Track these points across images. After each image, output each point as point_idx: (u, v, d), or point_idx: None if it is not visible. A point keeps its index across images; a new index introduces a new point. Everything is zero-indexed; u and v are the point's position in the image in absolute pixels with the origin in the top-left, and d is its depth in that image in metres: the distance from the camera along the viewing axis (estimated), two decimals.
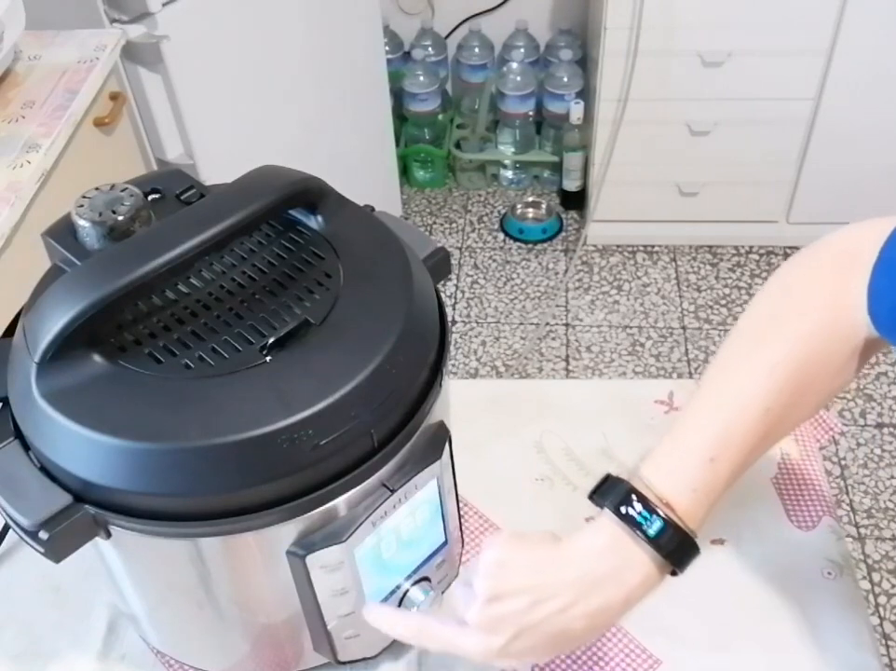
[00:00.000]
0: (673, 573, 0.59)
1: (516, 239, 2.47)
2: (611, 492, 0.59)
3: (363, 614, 0.63)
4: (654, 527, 0.56)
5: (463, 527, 0.75)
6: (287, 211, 0.66)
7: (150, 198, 0.67)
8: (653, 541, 0.56)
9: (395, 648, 0.72)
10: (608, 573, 0.57)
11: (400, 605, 0.68)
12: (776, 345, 0.60)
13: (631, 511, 0.57)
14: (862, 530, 1.78)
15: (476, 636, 0.58)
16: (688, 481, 0.58)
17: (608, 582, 0.57)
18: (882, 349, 0.62)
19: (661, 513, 0.57)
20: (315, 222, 0.66)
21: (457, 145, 2.57)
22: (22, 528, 0.54)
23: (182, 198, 0.68)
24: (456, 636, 0.59)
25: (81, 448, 0.54)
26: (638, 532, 0.56)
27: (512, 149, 2.55)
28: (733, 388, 0.60)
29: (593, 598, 0.57)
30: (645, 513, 0.57)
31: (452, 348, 2.16)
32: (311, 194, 0.65)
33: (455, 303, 2.31)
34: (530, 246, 2.45)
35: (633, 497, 0.57)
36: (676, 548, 0.57)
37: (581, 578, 0.57)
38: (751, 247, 2.39)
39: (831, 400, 0.64)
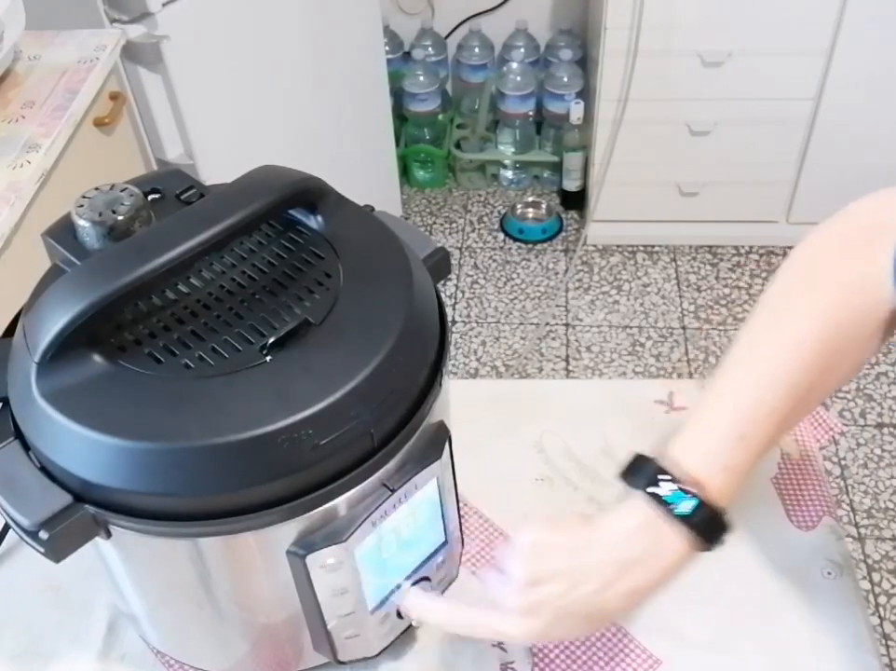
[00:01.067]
0: (707, 549, 0.58)
1: (516, 239, 2.47)
2: (641, 472, 0.59)
3: (400, 602, 0.64)
4: (684, 506, 0.56)
5: (463, 527, 0.75)
6: (287, 211, 0.66)
7: (150, 198, 0.67)
8: (684, 520, 0.56)
9: (395, 648, 0.72)
10: (642, 554, 0.58)
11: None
12: (802, 318, 0.60)
13: (661, 491, 0.57)
14: (862, 530, 1.78)
15: (517, 620, 0.59)
16: (719, 460, 0.58)
17: (642, 563, 0.58)
18: None
19: (692, 493, 0.57)
20: (315, 222, 0.66)
21: (457, 145, 2.57)
22: (22, 528, 0.54)
23: (182, 198, 0.68)
24: (497, 622, 0.60)
25: (81, 448, 0.54)
26: (669, 512, 0.57)
27: (512, 149, 2.55)
28: (760, 363, 0.60)
29: (629, 579, 0.58)
30: (676, 493, 0.57)
31: (452, 348, 2.16)
32: (311, 194, 0.65)
33: (455, 303, 2.31)
34: (530, 246, 2.45)
35: (663, 477, 0.57)
36: (708, 526, 0.57)
37: (616, 559, 0.58)
38: (751, 247, 2.39)
39: (858, 371, 0.63)
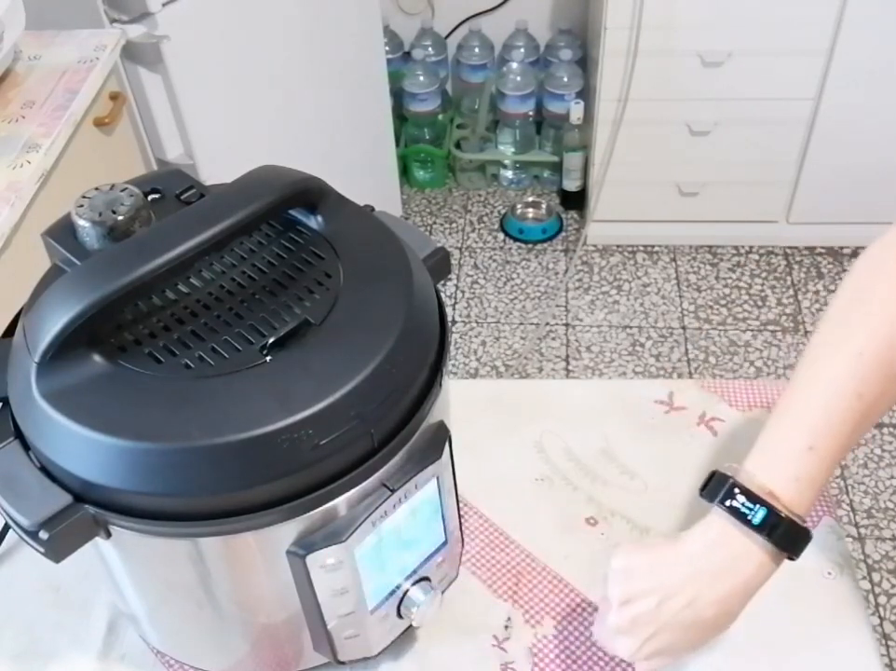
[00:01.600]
0: (791, 558, 0.62)
1: (516, 239, 2.47)
2: (717, 488, 0.62)
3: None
4: (758, 516, 0.60)
5: (463, 527, 0.75)
6: (287, 211, 0.66)
7: (150, 198, 0.67)
8: (759, 529, 0.60)
9: (395, 648, 0.72)
10: (723, 565, 0.61)
11: (400, 605, 0.68)
12: (863, 330, 0.62)
13: (735, 503, 0.61)
14: (862, 530, 1.78)
15: (620, 640, 0.64)
16: (789, 470, 0.61)
17: (725, 573, 0.61)
18: None
19: (764, 503, 0.60)
20: (315, 222, 0.66)
21: (457, 145, 2.57)
22: (22, 528, 0.54)
23: (182, 198, 0.68)
24: (611, 642, 0.65)
25: (81, 448, 0.54)
26: (745, 522, 0.60)
27: (512, 149, 2.55)
28: (824, 376, 0.63)
29: (714, 589, 0.61)
30: (749, 504, 0.60)
31: (452, 348, 2.16)
32: (311, 194, 0.65)
33: (455, 303, 2.31)
34: (530, 246, 2.45)
35: (737, 490, 0.61)
36: (784, 534, 0.60)
37: (700, 571, 0.61)
38: (751, 247, 2.39)
39: None
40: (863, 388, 0.61)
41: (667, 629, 0.62)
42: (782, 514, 0.60)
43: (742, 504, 0.60)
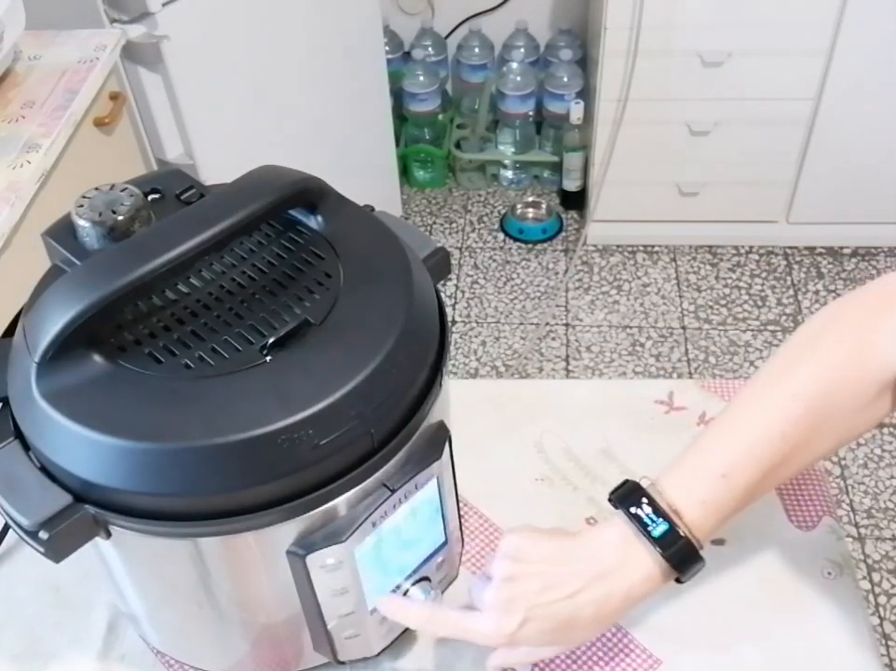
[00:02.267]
0: (678, 580, 0.62)
1: (516, 239, 2.47)
2: (626, 494, 0.64)
3: (378, 607, 0.65)
4: (658, 529, 0.61)
5: (463, 527, 0.75)
6: (287, 211, 0.66)
7: (150, 198, 0.67)
8: (657, 542, 0.61)
9: (395, 648, 0.72)
10: (613, 566, 0.62)
11: None
12: (799, 375, 0.63)
13: (639, 512, 0.62)
14: (862, 530, 1.78)
15: (488, 618, 0.62)
16: (698, 493, 0.62)
17: (613, 575, 0.62)
18: None
19: (667, 517, 0.61)
20: (315, 222, 0.66)
21: (457, 145, 2.57)
22: (22, 528, 0.54)
23: (182, 198, 0.68)
24: (469, 619, 0.63)
25: (81, 448, 0.54)
26: (643, 532, 0.61)
27: (512, 149, 2.55)
28: (752, 411, 0.64)
29: (598, 588, 0.61)
30: (652, 516, 0.61)
31: (452, 348, 2.16)
32: (311, 194, 0.65)
33: (455, 303, 2.31)
34: (530, 246, 2.45)
35: (644, 500, 0.62)
36: (678, 552, 0.61)
37: (589, 568, 0.62)
38: (751, 247, 2.39)
39: (859, 435, 0.67)
40: (790, 429, 0.61)
41: (540, 618, 0.61)
42: (681, 533, 0.61)
43: (647, 515, 0.61)
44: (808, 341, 0.65)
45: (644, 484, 0.64)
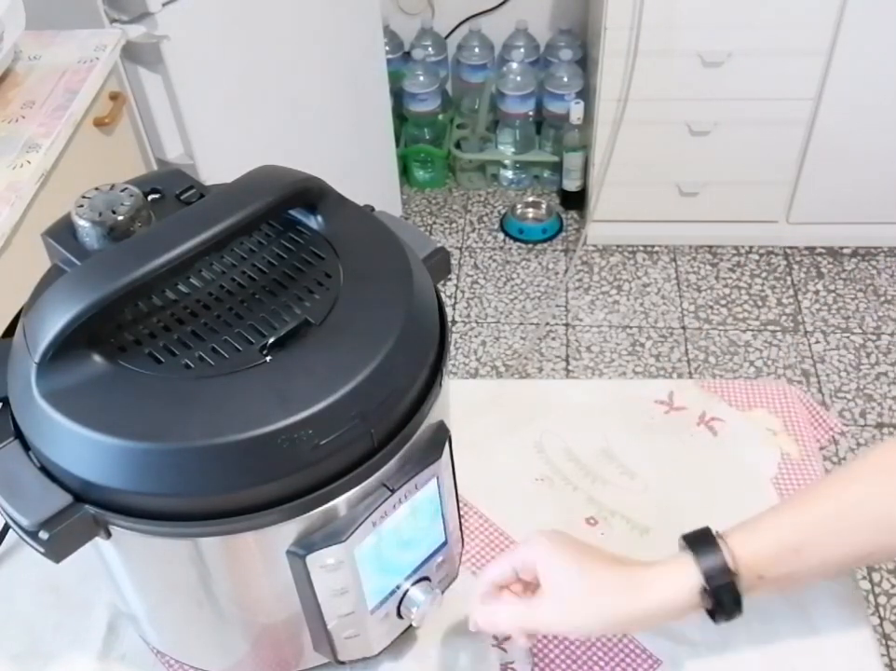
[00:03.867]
0: (712, 614, 0.63)
1: (516, 239, 2.47)
2: (699, 542, 0.64)
3: (472, 628, 0.68)
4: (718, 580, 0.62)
5: (463, 527, 0.75)
6: (287, 211, 0.66)
7: (150, 198, 0.67)
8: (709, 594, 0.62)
9: (395, 648, 0.72)
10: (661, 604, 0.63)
11: (400, 605, 0.68)
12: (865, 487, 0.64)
13: (704, 563, 0.62)
14: None
15: (503, 609, 0.66)
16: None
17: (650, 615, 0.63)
18: None
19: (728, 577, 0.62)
20: (315, 222, 0.66)
21: (457, 145, 2.57)
22: (22, 528, 0.54)
23: (182, 198, 0.68)
24: (487, 609, 0.67)
25: (81, 448, 0.54)
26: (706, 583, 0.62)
27: (512, 149, 2.55)
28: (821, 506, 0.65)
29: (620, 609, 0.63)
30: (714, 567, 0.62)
31: (452, 348, 2.16)
32: (311, 194, 0.65)
33: (455, 303, 2.31)
34: (530, 246, 2.45)
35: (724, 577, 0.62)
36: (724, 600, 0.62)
37: (652, 618, 0.63)
38: (751, 247, 2.39)
39: None
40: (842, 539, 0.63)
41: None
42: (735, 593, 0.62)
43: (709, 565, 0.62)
44: (873, 463, 0.65)
45: (718, 534, 0.64)
